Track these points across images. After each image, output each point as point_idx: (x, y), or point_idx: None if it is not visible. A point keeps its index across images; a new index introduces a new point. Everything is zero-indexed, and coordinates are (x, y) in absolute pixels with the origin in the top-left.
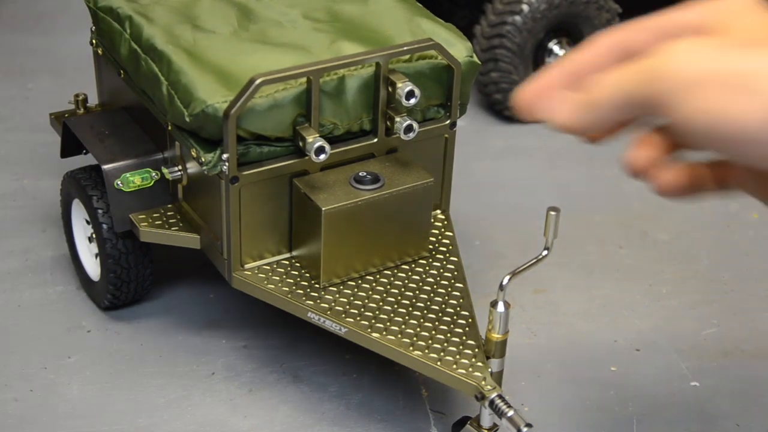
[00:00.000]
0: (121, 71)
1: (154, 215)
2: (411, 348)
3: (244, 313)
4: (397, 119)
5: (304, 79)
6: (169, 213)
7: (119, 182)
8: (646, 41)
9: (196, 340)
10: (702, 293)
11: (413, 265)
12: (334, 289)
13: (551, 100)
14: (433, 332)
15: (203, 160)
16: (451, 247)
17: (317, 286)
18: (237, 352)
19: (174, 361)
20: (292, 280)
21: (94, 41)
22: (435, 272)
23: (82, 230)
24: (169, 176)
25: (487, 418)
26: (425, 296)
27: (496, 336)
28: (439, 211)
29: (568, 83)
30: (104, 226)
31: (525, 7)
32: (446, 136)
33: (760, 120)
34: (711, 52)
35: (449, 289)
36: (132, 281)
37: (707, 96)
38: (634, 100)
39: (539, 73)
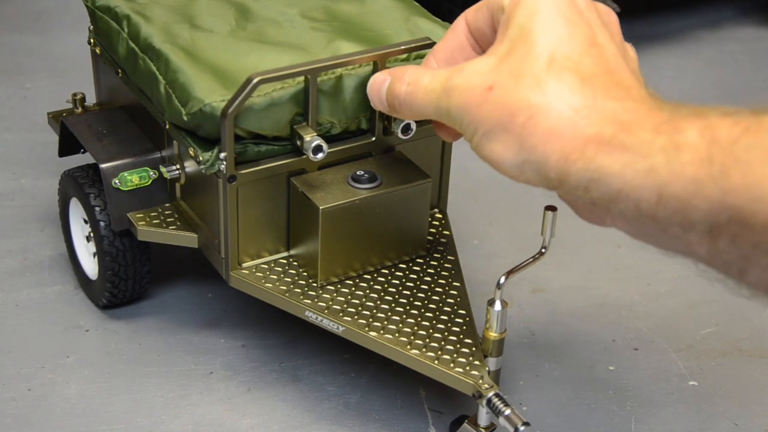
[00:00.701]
0: (119, 70)
1: (152, 214)
2: (408, 347)
3: (242, 312)
4: (395, 118)
5: (301, 78)
6: (166, 212)
7: (117, 181)
8: (486, 20)
9: (195, 340)
10: (700, 293)
11: (411, 264)
12: (332, 287)
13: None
14: (431, 331)
15: (201, 158)
16: (448, 246)
17: (315, 284)
18: (235, 351)
19: (172, 360)
20: (289, 279)
21: (91, 40)
22: (432, 271)
23: (79, 229)
24: (167, 175)
25: (484, 417)
26: (423, 295)
27: (493, 335)
28: (436, 210)
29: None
30: (102, 224)
31: None
32: None
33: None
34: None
35: (446, 288)
36: (130, 280)
37: (480, 127)
38: (439, 111)
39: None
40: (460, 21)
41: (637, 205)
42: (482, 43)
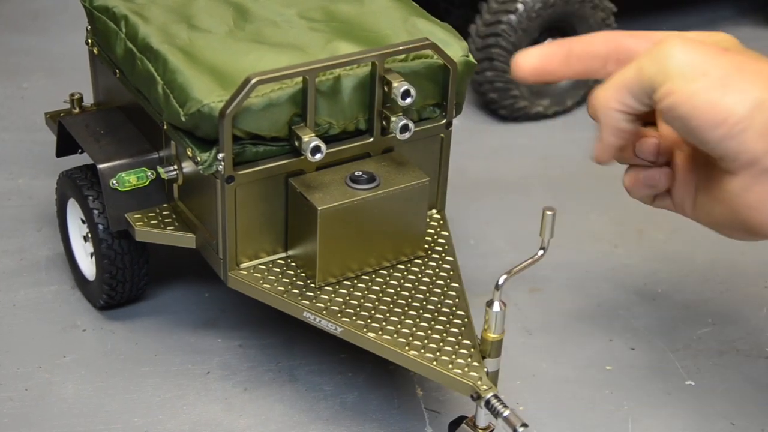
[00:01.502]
0: (117, 71)
1: (150, 215)
2: (407, 348)
3: (239, 312)
4: (393, 119)
5: (299, 79)
6: (164, 212)
7: (115, 181)
8: (638, 47)
9: (192, 340)
10: (697, 292)
11: (409, 265)
12: (330, 288)
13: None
14: (429, 332)
15: (199, 159)
16: (446, 247)
17: (313, 285)
18: (232, 351)
19: (169, 360)
20: (287, 280)
21: (89, 41)
22: (431, 272)
23: (77, 229)
24: (164, 176)
25: (483, 418)
26: (421, 296)
27: (492, 336)
28: (434, 211)
29: (564, 60)
30: (100, 225)
31: (520, 6)
32: (442, 135)
33: (741, 109)
34: (700, 49)
35: (445, 289)
36: (127, 281)
37: (700, 85)
38: (642, 83)
39: (542, 46)
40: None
41: None
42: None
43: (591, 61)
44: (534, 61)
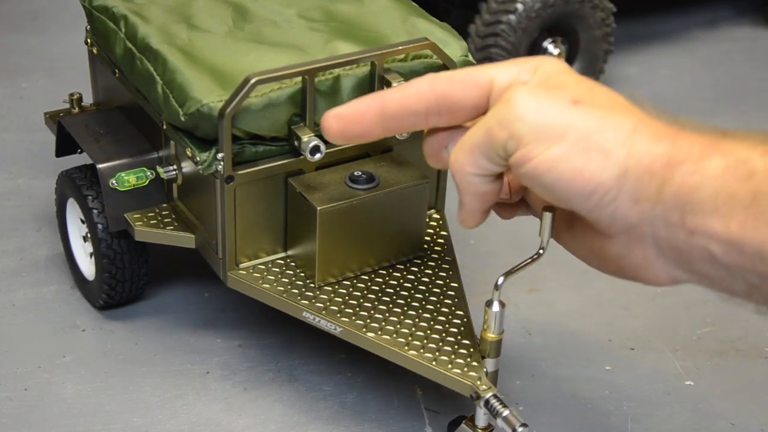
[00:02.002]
0: (116, 70)
1: (149, 214)
2: (406, 348)
3: (239, 312)
4: None
5: (299, 79)
6: (164, 212)
7: (114, 181)
8: (466, 95)
9: (191, 340)
10: (697, 292)
11: (408, 265)
12: (329, 288)
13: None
14: (429, 332)
15: (198, 159)
16: (446, 247)
17: (312, 285)
18: (232, 351)
19: (169, 360)
20: (287, 280)
21: (89, 40)
22: (430, 272)
23: (76, 229)
24: (164, 175)
25: (482, 418)
26: (420, 296)
27: (491, 336)
28: (434, 211)
29: (378, 118)
30: (99, 225)
31: (520, 6)
32: None
33: (608, 177)
34: (549, 105)
35: (444, 289)
36: (127, 281)
37: (560, 151)
38: (495, 147)
39: (354, 102)
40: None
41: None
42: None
43: (408, 118)
44: (339, 123)
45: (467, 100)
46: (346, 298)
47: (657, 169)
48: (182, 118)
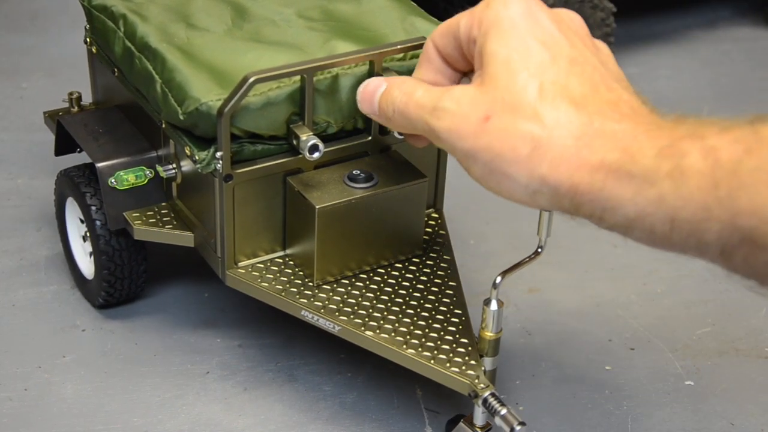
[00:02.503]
0: (115, 69)
1: (148, 213)
2: (404, 346)
3: (239, 312)
4: None
5: (297, 78)
6: (163, 211)
7: (113, 180)
8: (454, 47)
9: (191, 340)
10: (696, 292)
11: (407, 264)
12: (328, 287)
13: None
14: (427, 330)
15: (197, 158)
16: (444, 246)
17: (311, 284)
18: (232, 351)
19: (169, 360)
20: (285, 279)
21: (88, 39)
22: (428, 270)
23: (76, 229)
24: (163, 174)
25: (480, 417)
26: (419, 294)
27: (489, 334)
28: (432, 210)
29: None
30: (98, 223)
31: None
32: None
33: (521, 196)
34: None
35: (442, 288)
36: (126, 280)
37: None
38: (425, 128)
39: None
40: (430, 46)
41: (652, 230)
42: (458, 66)
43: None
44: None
45: (454, 51)
46: (345, 296)
47: (564, 193)
48: (181, 117)
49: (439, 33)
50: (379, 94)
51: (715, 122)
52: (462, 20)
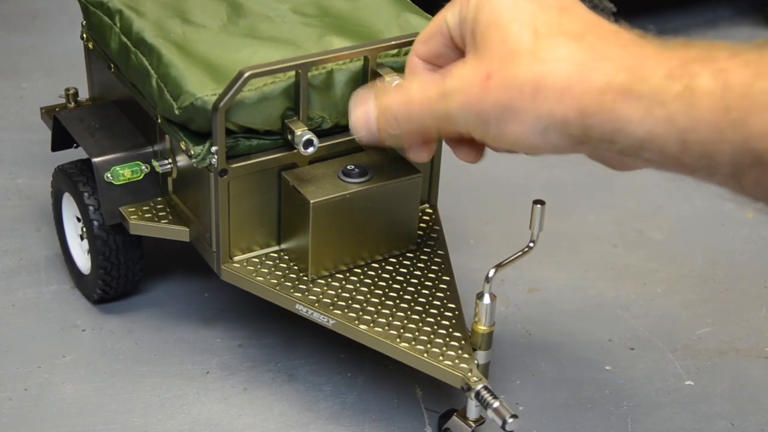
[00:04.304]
0: (112, 65)
1: (144, 208)
2: (398, 340)
3: (239, 312)
4: None
5: (292, 73)
6: (158, 206)
7: (109, 175)
8: (440, 44)
9: (191, 339)
10: (697, 292)
11: (401, 259)
12: (322, 281)
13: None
14: (420, 324)
15: (192, 152)
16: (438, 241)
17: (305, 278)
18: (232, 351)
19: (168, 360)
20: (280, 273)
21: (84, 35)
22: (422, 265)
23: (72, 224)
24: (158, 169)
25: (473, 410)
26: (412, 289)
27: (482, 328)
28: (426, 205)
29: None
30: (95, 223)
31: None
32: None
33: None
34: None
35: (436, 282)
36: (122, 274)
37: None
38: (438, 117)
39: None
40: (413, 59)
41: (663, 151)
42: (448, 63)
43: None
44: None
45: (444, 48)
46: (339, 290)
47: (573, 121)
48: (176, 112)
49: (422, 40)
50: (374, 114)
51: (725, 47)
52: (447, 12)
